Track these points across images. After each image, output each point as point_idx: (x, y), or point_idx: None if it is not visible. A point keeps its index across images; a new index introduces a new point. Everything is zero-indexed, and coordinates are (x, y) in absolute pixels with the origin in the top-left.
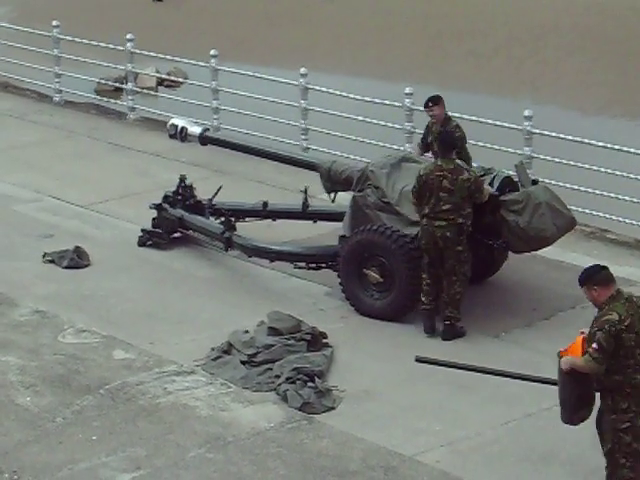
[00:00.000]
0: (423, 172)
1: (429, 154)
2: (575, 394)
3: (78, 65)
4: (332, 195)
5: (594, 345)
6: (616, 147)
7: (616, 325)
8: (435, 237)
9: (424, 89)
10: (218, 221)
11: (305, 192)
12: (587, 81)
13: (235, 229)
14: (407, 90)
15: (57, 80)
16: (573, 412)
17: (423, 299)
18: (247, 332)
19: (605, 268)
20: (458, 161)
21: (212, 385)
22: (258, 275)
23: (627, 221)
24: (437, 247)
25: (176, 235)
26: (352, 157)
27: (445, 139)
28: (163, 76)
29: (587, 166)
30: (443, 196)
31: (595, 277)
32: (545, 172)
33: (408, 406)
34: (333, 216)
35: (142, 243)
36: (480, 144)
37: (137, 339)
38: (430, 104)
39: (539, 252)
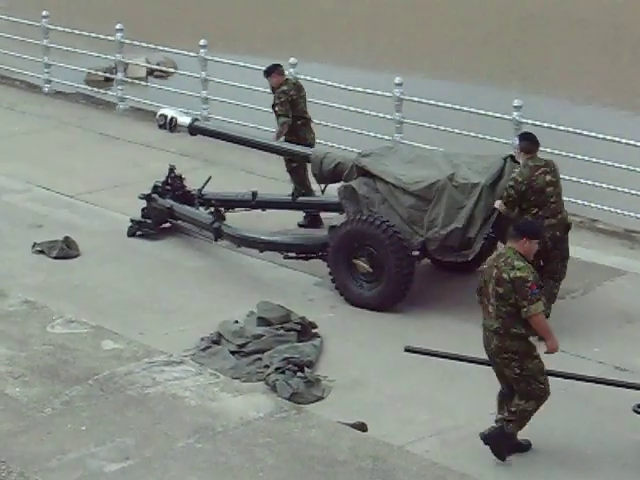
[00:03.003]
0: (521, 178)
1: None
2: None
3: (68, 55)
4: (323, 186)
5: None
6: (605, 137)
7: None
8: (544, 238)
9: (414, 79)
10: (207, 211)
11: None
12: (576, 70)
13: (224, 219)
14: (397, 80)
15: (46, 70)
16: None
17: None
18: (237, 322)
19: (516, 226)
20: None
21: (201, 375)
22: (247, 265)
23: (616, 211)
24: (545, 248)
25: (165, 225)
26: (341, 147)
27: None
28: (153, 66)
29: (574, 155)
30: (548, 191)
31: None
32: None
33: (397, 396)
34: (322, 206)
35: (131, 233)
36: (472, 134)
37: (126, 329)
38: (265, 75)
39: None
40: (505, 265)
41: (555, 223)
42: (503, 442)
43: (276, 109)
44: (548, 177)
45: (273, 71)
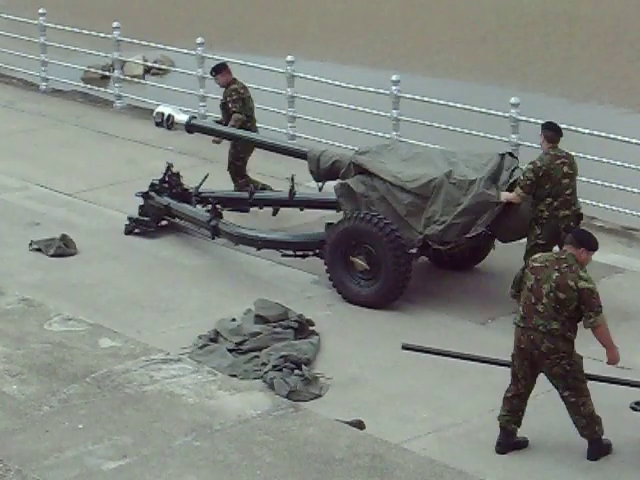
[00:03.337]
0: (540, 163)
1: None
2: None
3: (65, 53)
4: (320, 184)
5: None
6: (603, 134)
7: (529, 262)
8: (558, 229)
9: (411, 77)
10: (205, 209)
11: (292, 180)
12: (575, 68)
13: (222, 217)
14: (394, 78)
15: (44, 68)
16: None
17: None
18: (234, 320)
19: (576, 234)
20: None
21: (199, 373)
22: (245, 263)
23: (614, 208)
24: (560, 239)
25: (163, 223)
26: (339, 145)
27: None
28: (150, 64)
29: (573, 153)
30: (565, 182)
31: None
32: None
33: (395, 394)
34: (320, 204)
35: (129, 231)
36: (466, 131)
37: (124, 327)
38: (213, 73)
39: (525, 240)
40: (570, 272)
41: (569, 214)
42: (602, 445)
43: (229, 106)
44: (566, 168)
45: (222, 70)
